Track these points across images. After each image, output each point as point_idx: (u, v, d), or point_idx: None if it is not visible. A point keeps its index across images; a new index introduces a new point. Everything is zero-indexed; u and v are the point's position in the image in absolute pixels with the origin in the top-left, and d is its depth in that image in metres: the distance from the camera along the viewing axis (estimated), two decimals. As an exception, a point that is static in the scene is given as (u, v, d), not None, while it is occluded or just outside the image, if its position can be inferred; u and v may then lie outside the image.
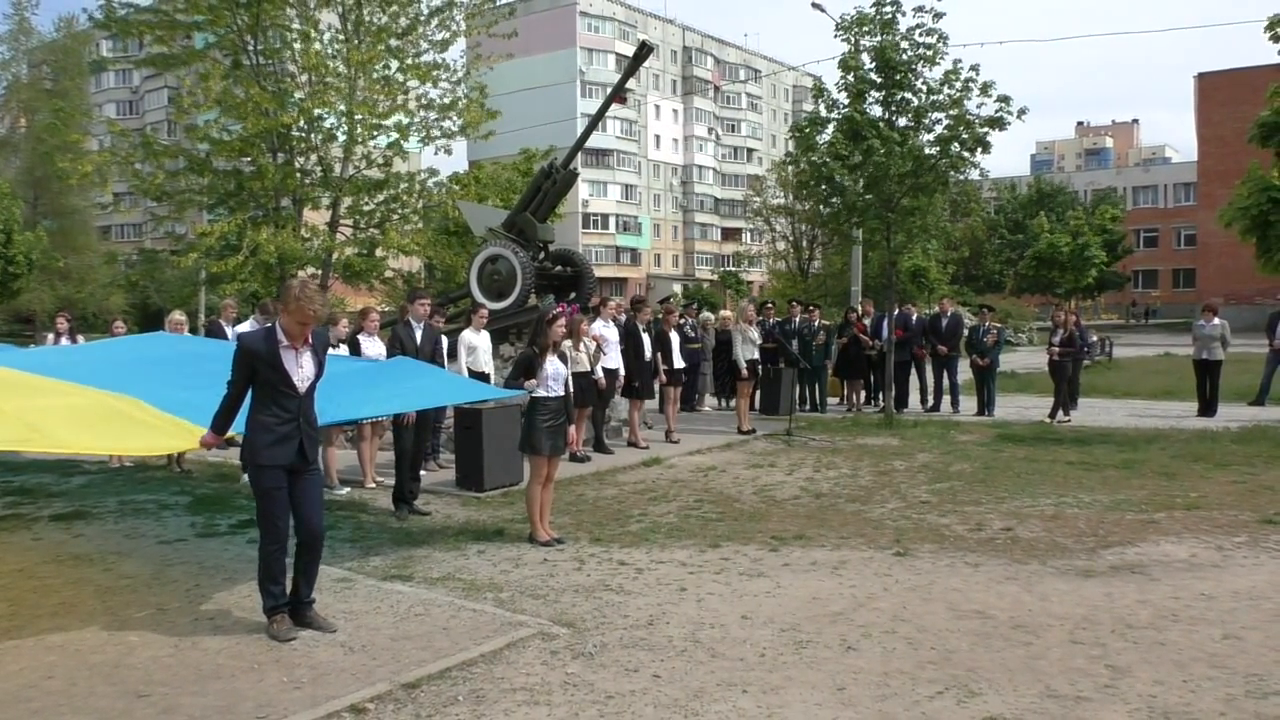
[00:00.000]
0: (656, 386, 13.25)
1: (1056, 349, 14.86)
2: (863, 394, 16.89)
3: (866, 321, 16.56)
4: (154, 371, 6.52)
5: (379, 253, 16.54)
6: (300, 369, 5.24)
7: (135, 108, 79.93)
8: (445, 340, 10.12)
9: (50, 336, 13.01)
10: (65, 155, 16.88)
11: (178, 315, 12.28)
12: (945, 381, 16.26)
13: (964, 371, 16.46)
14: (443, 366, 9.17)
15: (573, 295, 13.81)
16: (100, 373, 6.14)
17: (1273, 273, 12.24)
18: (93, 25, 16.12)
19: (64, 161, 16.14)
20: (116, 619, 5.63)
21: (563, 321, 7.86)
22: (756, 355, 14.28)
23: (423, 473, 9.32)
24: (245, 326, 11.12)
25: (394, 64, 15.18)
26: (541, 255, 13.79)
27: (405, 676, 4.67)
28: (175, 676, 4.72)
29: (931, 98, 14.27)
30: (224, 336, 11.35)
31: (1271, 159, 12.20)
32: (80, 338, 13.02)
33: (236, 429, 5.31)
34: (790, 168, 22.41)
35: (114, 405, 5.69)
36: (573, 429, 8.06)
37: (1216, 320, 15.24)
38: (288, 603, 5.35)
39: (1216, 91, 53.77)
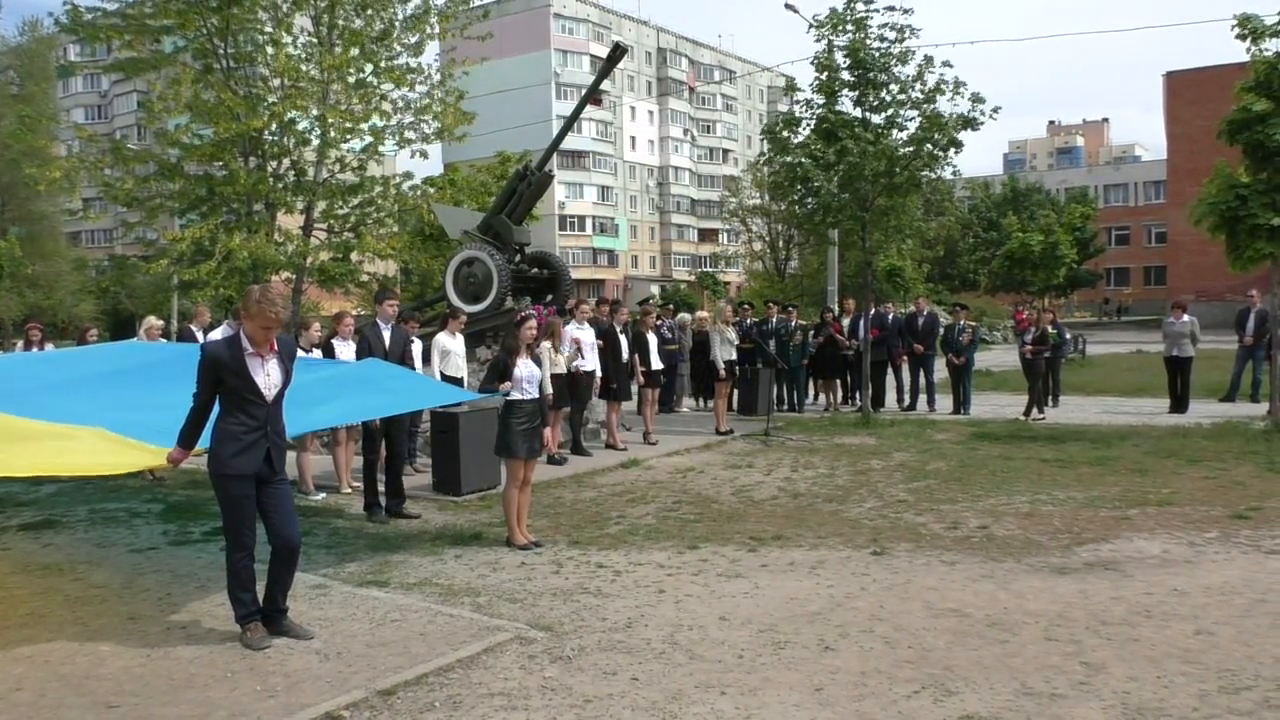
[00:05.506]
0: (634, 388, 13.24)
1: (1029, 347, 14.98)
2: (840, 393, 16.96)
3: (845, 321, 16.62)
4: (121, 396, 6.43)
5: (354, 257, 16.41)
6: (267, 376, 5.18)
7: (104, 112, 79.05)
8: (420, 344, 10.04)
9: (20, 344, 12.85)
10: (33, 161, 16.62)
11: (154, 320, 12.14)
12: (921, 380, 16.36)
13: (940, 370, 16.55)
14: (412, 369, 9.09)
15: (549, 297, 13.78)
16: (65, 404, 6.07)
17: (1242, 270, 12.32)
18: (59, 30, 15.86)
19: (31, 168, 15.89)
20: (87, 629, 5.55)
21: (533, 324, 7.83)
22: (734, 356, 14.30)
23: (401, 477, 9.23)
24: (217, 333, 11.00)
25: (368, 67, 15.07)
26: (518, 258, 13.75)
27: (381, 683, 4.64)
28: (147, 686, 4.66)
29: (904, 94, 14.37)
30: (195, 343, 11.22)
31: (1239, 157, 12.32)
32: (50, 345, 12.86)
33: (203, 444, 5.24)
34: (765, 168, 22.52)
35: (79, 435, 5.68)
36: (548, 431, 8.04)
37: (1186, 317, 15.38)
38: (260, 611, 5.29)
39: (1185, 90, 54.22)
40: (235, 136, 14.07)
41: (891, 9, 14.30)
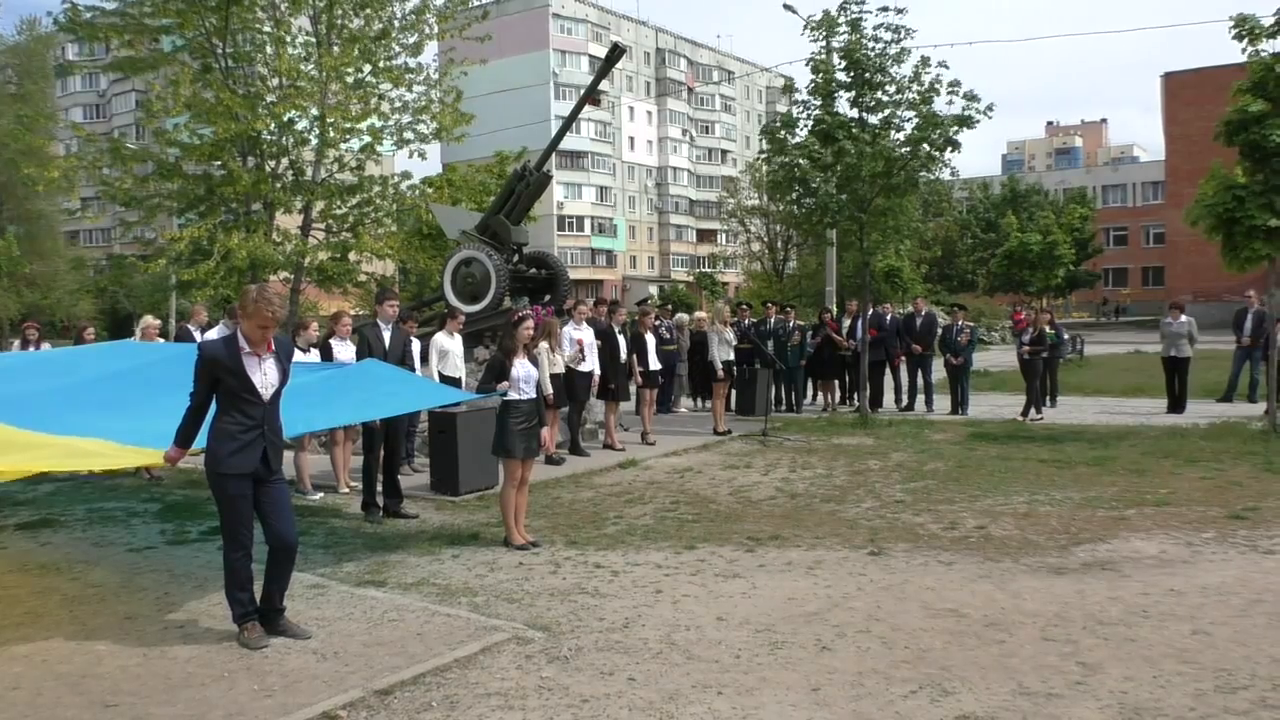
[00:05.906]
0: (633, 388, 13.25)
1: (1027, 347, 14.99)
2: (838, 394, 16.97)
3: (846, 321, 16.63)
4: (120, 403, 6.42)
5: (352, 257, 16.40)
6: (264, 376, 5.18)
7: (102, 111, 78.99)
8: (418, 344, 10.02)
9: (16, 343, 12.84)
10: (31, 160, 16.59)
11: (151, 320, 12.12)
12: (919, 381, 16.37)
13: (938, 370, 16.57)
14: (412, 370, 9.09)
15: (547, 298, 13.78)
16: (65, 415, 6.08)
17: (1239, 270, 12.32)
18: (57, 28, 15.83)
19: (29, 167, 15.84)
20: (84, 628, 5.55)
21: (530, 324, 7.83)
22: (732, 356, 14.31)
23: (399, 477, 9.24)
24: (214, 333, 11.00)
25: (366, 67, 15.06)
26: (516, 258, 13.75)
27: (378, 683, 4.64)
28: (144, 686, 4.66)
29: (899, 95, 14.37)
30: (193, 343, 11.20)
31: (1236, 157, 12.33)
32: (46, 344, 12.85)
33: (200, 443, 5.24)
34: (763, 168, 22.56)
35: (80, 446, 5.70)
36: (546, 431, 8.04)
37: (1184, 318, 15.40)
38: (257, 610, 5.29)
39: (1183, 91, 54.32)
40: (234, 136, 14.06)
41: (885, 9, 14.32)
